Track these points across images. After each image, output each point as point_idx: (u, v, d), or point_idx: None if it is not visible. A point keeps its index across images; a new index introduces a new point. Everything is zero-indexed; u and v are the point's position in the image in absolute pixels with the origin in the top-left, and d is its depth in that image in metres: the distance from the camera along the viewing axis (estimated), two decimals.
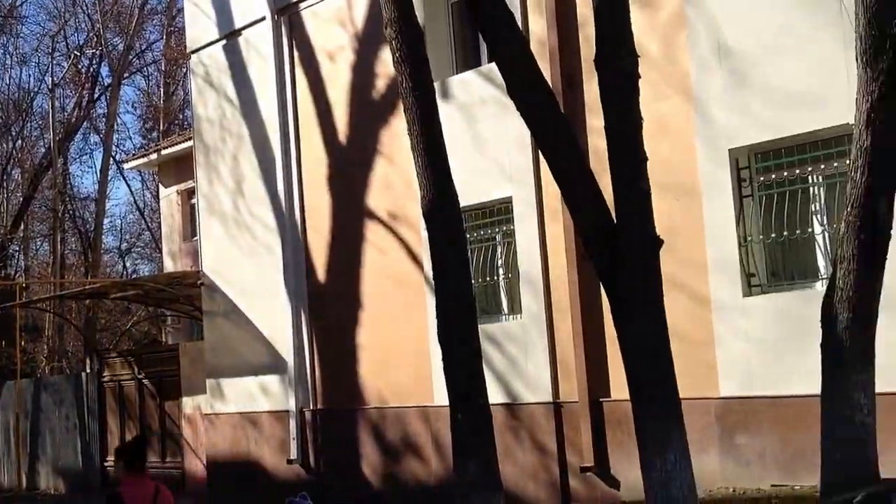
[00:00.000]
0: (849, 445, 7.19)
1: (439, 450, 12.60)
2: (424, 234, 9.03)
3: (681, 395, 7.20)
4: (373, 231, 13.75)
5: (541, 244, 11.53)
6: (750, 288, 9.78)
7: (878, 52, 6.93)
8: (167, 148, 24.48)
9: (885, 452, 7.68)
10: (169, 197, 25.33)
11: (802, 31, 9.25)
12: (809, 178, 9.54)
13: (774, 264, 9.79)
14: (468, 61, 12.96)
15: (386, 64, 13.02)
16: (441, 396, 11.50)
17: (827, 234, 9.37)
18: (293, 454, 14.61)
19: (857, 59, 7.13)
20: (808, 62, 9.19)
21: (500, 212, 12.29)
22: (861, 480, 7.15)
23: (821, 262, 9.44)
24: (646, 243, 7.17)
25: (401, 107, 9.07)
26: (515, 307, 12.12)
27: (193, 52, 16.90)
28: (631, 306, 7.16)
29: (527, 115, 7.62)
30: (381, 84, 13.58)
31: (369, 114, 13.78)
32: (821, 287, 8.86)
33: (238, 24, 15.84)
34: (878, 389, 7.30)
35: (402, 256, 13.25)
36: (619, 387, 10.24)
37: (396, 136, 12.93)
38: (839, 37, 8.83)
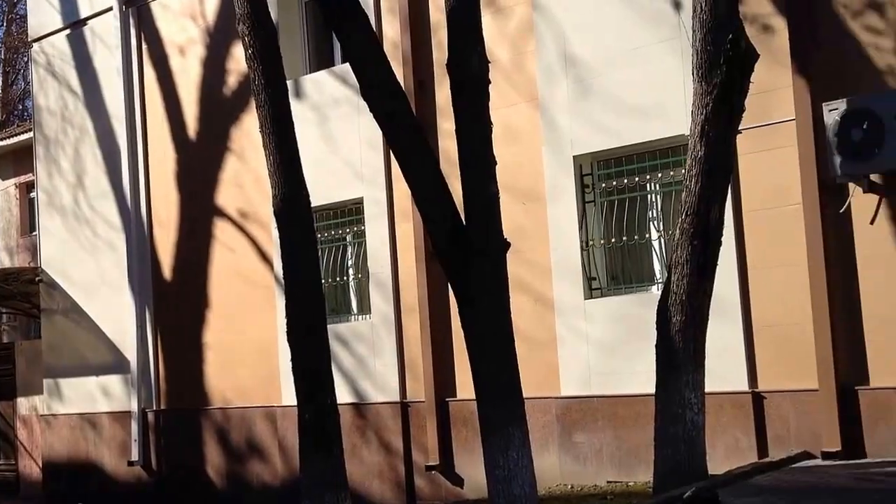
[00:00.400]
0: (680, 443, 7.52)
1: (286, 450, 12.52)
2: (275, 232, 8.96)
3: (524, 395, 7.39)
4: (222, 229, 13.54)
5: (391, 245, 11.61)
6: (591, 291, 10.11)
7: (712, 67, 7.30)
8: (5, 139, 23.43)
9: (713, 449, 8.10)
10: (7, 190, 24.25)
11: (643, 44, 9.62)
12: (648, 185, 9.93)
13: (614, 268, 10.15)
14: (321, 61, 12.93)
15: (238, 60, 12.85)
16: (289, 397, 11.44)
17: (663, 240, 9.78)
18: (134, 456, 14.24)
19: (693, 73, 7.48)
20: (648, 74, 9.57)
21: (351, 212, 12.30)
22: (691, 476, 7.49)
23: (657, 267, 9.84)
24: (493, 245, 7.32)
25: (252, 104, 8.99)
26: (365, 307, 12.16)
27: (35, 40, 16.27)
28: (478, 307, 7.30)
29: (379, 117, 7.67)
30: (232, 80, 13.39)
31: (220, 110, 13.56)
32: (657, 291, 9.24)
33: (84, 14, 15.32)
34: (707, 389, 7.68)
35: (252, 255, 13.10)
36: (465, 387, 10.41)
37: (247, 133, 12.78)
38: (677, 51, 9.24)
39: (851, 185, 8.43)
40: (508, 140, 9.94)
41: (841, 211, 8.49)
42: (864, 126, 8.07)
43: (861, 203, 8.41)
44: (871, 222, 8.37)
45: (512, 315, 7.38)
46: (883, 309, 8.31)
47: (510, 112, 10.32)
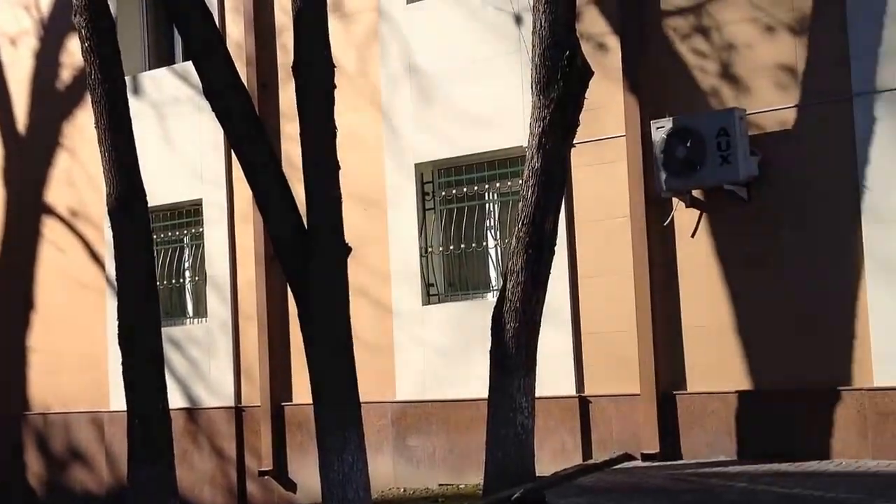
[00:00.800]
0: (510, 445, 7.74)
1: (113, 458, 12.15)
2: (108, 233, 8.73)
3: (361, 399, 7.45)
4: (52, 228, 13.05)
5: (230, 248, 11.46)
6: (428, 297, 10.27)
7: (550, 82, 7.57)
8: None
9: (541, 451, 8.37)
10: None
11: (485, 56, 9.86)
12: (486, 194, 10.18)
13: (451, 275, 10.34)
14: (162, 57, 12.65)
15: (73, 54, 12.44)
16: (118, 402, 11.10)
17: (499, 249, 10.03)
18: None
19: (531, 87, 7.75)
20: (489, 86, 9.82)
21: (189, 213, 12.08)
22: (520, 477, 7.72)
23: (493, 275, 10.09)
24: (335, 250, 7.35)
25: (87, 100, 8.73)
26: (201, 311, 11.95)
27: None
28: (318, 311, 7.30)
29: (221, 117, 7.59)
30: (67, 74, 12.94)
31: (53, 105, 13.07)
32: (492, 298, 9.47)
33: None
34: (537, 393, 7.94)
35: (83, 256, 12.68)
36: (301, 391, 10.38)
37: (81, 129, 12.38)
38: (517, 65, 9.52)
39: (675, 200, 8.87)
40: (352, 146, 9.97)
41: (665, 224, 8.92)
42: (688, 144, 8.51)
43: (683, 217, 8.88)
44: (692, 235, 8.84)
45: (351, 320, 7.42)
46: (701, 318, 8.77)
47: (354, 118, 10.35)
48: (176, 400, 11.61)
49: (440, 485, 9.84)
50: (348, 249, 7.45)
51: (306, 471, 10.43)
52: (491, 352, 7.93)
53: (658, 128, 8.70)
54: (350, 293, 7.47)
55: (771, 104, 8.51)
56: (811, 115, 8.35)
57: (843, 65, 8.18)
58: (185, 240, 12.21)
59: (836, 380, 8.17)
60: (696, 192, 8.81)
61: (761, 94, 8.56)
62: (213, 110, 7.57)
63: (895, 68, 7.99)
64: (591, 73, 7.80)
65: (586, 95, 7.79)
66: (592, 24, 9.32)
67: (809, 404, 8.23)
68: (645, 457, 8.84)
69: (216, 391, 11.52)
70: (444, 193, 10.34)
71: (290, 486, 10.96)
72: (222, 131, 7.87)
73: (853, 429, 8.09)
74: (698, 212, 8.83)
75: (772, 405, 8.41)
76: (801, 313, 8.32)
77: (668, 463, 8.67)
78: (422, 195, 10.35)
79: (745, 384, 8.56)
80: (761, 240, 8.54)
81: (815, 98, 8.33)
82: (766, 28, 8.55)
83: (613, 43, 9.21)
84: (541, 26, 7.58)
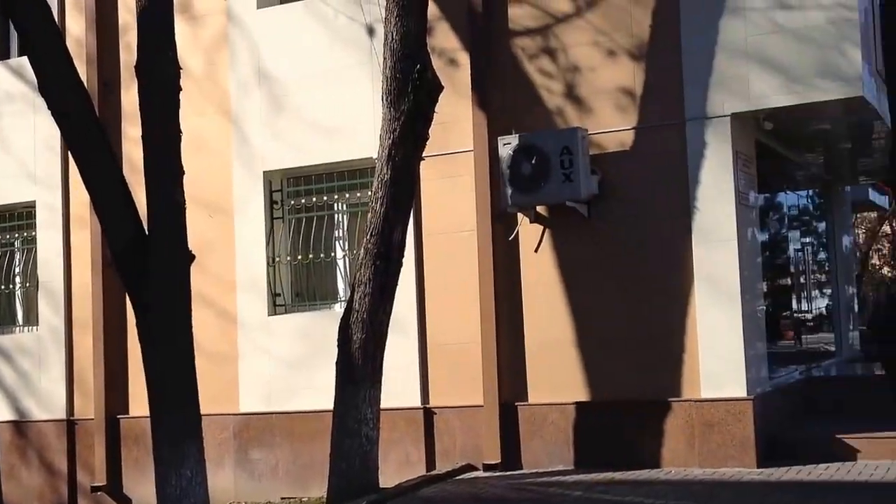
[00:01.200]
0: (354, 457, 7.74)
1: None
2: None
3: (202, 411, 7.28)
4: None
5: (65, 253, 11.02)
6: (275, 307, 10.14)
7: (401, 94, 7.63)
8: None
9: (385, 463, 8.39)
10: None
11: (337, 66, 9.83)
12: (335, 205, 10.14)
13: (299, 285, 10.24)
14: None
15: None
16: None
17: (348, 259, 10.01)
18: None
19: (382, 99, 7.78)
20: (340, 96, 9.79)
21: (21, 216, 11.56)
22: (363, 489, 7.72)
23: (341, 286, 10.05)
24: (177, 257, 7.18)
25: None
26: (32, 318, 11.44)
27: None
28: (157, 318, 7.11)
29: (58, 117, 7.29)
30: None
31: None
32: (339, 308, 9.44)
33: None
34: (383, 405, 7.96)
35: None
36: (139, 403, 10.08)
37: None
38: (369, 76, 9.54)
39: (520, 215, 9.07)
40: (198, 151, 9.79)
41: (510, 239, 9.11)
42: (533, 161, 8.72)
43: (528, 232, 9.08)
44: (536, 250, 9.05)
45: (193, 328, 7.26)
46: (543, 332, 8.99)
47: (201, 122, 10.17)
48: (3, 413, 11.15)
49: (283, 498, 9.71)
50: (191, 257, 7.29)
51: (142, 486, 10.11)
52: (337, 363, 7.92)
53: (505, 144, 8.88)
54: (193, 302, 7.31)
55: (611, 125, 8.82)
56: (648, 137, 8.70)
57: (678, 91, 8.57)
58: (16, 244, 11.67)
59: (667, 392, 8.52)
60: (540, 208, 9.03)
61: (603, 115, 8.86)
62: (49, 108, 7.26)
63: (724, 96, 8.42)
64: (441, 88, 7.90)
65: (436, 109, 7.89)
66: (444, 39, 9.43)
67: (642, 415, 8.54)
68: (487, 467, 8.97)
69: (47, 403, 11.05)
70: (292, 202, 10.24)
71: (125, 502, 10.61)
72: (59, 130, 7.55)
73: (682, 438, 8.44)
74: (542, 227, 9.05)
75: (608, 416, 8.68)
76: (636, 328, 8.64)
77: (509, 473, 8.83)
78: (270, 203, 10.22)
79: (583, 396, 8.81)
80: (600, 256, 8.82)
81: (652, 121, 8.69)
82: (609, 52, 8.87)
83: (464, 59, 9.35)
84: (392, 39, 7.63)
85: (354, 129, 9.65)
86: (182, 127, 7.26)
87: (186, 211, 7.28)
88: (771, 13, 8.28)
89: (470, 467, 9.08)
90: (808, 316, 12.06)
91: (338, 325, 7.95)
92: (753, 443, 8.22)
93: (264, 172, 10.16)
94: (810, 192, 12.71)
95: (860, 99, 8.23)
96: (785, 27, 8.23)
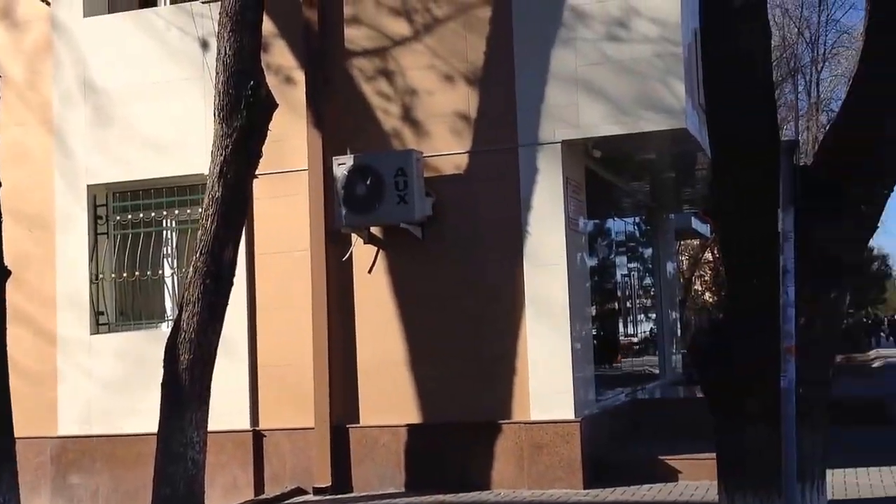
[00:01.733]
0: (179, 481, 7.46)
1: None
2: None
3: (18, 434, 6.90)
4: None
5: None
6: (98, 326, 9.76)
7: (233, 110, 7.47)
8: None
9: (211, 487, 8.16)
10: None
11: (168, 79, 9.59)
12: (164, 221, 9.85)
13: (124, 303, 9.89)
14: None
15: None
16: None
17: (176, 278, 9.73)
18: None
19: (215, 114, 7.60)
20: (171, 110, 9.54)
21: None
22: None
23: (168, 304, 9.76)
24: None
25: None
26: None
27: None
28: None
29: None
30: None
31: None
32: (167, 328, 9.15)
33: None
34: (210, 427, 7.73)
35: None
36: None
37: None
38: (201, 91, 9.33)
39: (354, 236, 9.04)
40: (17, 162, 9.35)
41: (343, 259, 9.06)
42: (368, 182, 8.71)
43: (362, 253, 9.06)
44: (370, 271, 9.03)
45: (8, 347, 6.88)
46: (375, 353, 8.96)
47: (21, 132, 9.70)
48: None
49: None
50: (7, 272, 6.91)
51: None
52: (163, 384, 7.65)
53: (340, 164, 8.84)
54: (8, 319, 6.92)
55: (446, 148, 8.92)
56: (482, 161, 8.83)
57: (512, 116, 8.75)
58: None
59: (497, 414, 8.62)
60: (374, 229, 9.02)
61: (438, 138, 8.95)
62: None
63: (556, 123, 8.64)
64: (276, 105, 7.78)
65: (271, 127, 7.76)
66: (280, 56, 9.33)
67: (473, 437, 8.62)
68: (317, 490, 8.86)
69: None
70: (118, 218, 9.89)
71: None
72: None
73: (512, 460, 8.56)
74: (376, 248, 9.04)
75: (439, 438, 8.72)
76: (468, 350, 8.72)
77: (339, 496, 8.75)
78: (94, 218, 9.84)
79: (415, 417, 8.83)
80: (434, 278, 8.88)
81: (486, 146, 8.83)
82: (445, 76, 8.97)
83: (300, 77, 9.27)
84: (225, 53, 7.47)
85: (185, 144, 9.41)
86: (0, 137, 6.90)
87: (2, 224, 6.90)
88: (600, 44, 8.57)
89: (299, 491, 8.95)
90: (634, 339, 12.49)
91: (164, 345, 7.70)
92: (580, 464, 8.41)
93: (88, 186, 9.78)
94: (637, 218, 13.18)
95: (684, 131, 8.60)
96: (613, 59, 8.53)
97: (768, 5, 5.64)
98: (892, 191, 5.22)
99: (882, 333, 46.15)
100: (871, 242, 22.71)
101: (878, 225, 5.31)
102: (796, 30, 29.10)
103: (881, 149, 5.10)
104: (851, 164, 5.06)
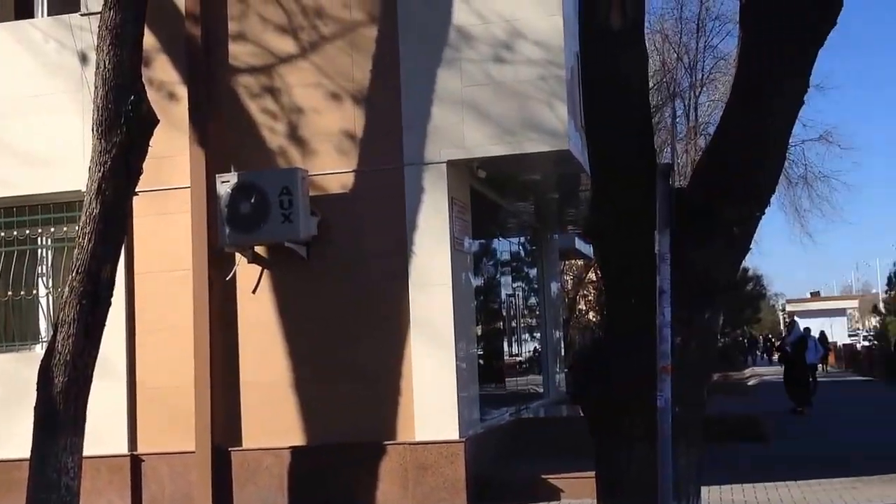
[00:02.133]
0: None
1: None
2: None
3: None
4: None
5: None
6: None
7: (113, 126, 7.28)
8: None
9: None
10: None
11: (44, 93, 9.31)
12: (39, 239, 9.54)
13: None
14: None
15: None
16: None
17: (52, 298, 9.42)
18: None
19: (93, 130, 7.40)
20: (47, 125, 9.26)
21: None
22: None
23: (43, 325, 9.43)
24: None
25: None
26: None
27: None
28: None
29: None
30: None
31: None
32: (41, 350, 8.83)
33: None
34: (86, 452, 7.48)
35: None
36: None
37: None
38: (79, 105, 9.08)
39: (238, 255, 8.91)
40: None
41: (227, 279, 8.91)
42: (252, 200, 8.59)
43: (246, 272, 8.93)
44: (254, 291, 8.91)
45: None
46: (259, 375, 8.84)
47: None
48: None
49: None
50: None
51: None
52: (36, 408, 7.37)
53: (223, 182, 8.70)
54: None
55: (332, 167, 8.88)
56: (368, 180, 8.83)
57: (398, 136, 8.77)
58: None
59: (382, 434, 8.59)
60: (259, 249, 8.91)
61: (324, 157, 8.90)
62: None
63: (441, 143, 8.70)
64: (157, 121, 7.61)
65: (152, 144, 7.59)
66: (162, 71, 9.16)
67: (358, 458, 8.57)
68: None
69: None
70: None
71: None
72: None
73: (397, 481, 8.53)
74: (260, 268, 8.93)
75: (323, 459, 8.64)
76: (353, 371, 8.68)
77: None
78: None
79: (299, 439, 8.72)
80: (319, 298, 8.81)
81: (372, 165, 8.83)
82: (331, 95, 8.94)
83: (182, 93, 9.11)
84: (105, 67, 7.28)
85: (62, 159, 9.14)
86: None
87: None
88: (485, 65, 8.67)
89: None
90: (519, 359, 12.61)
91: (38, 367, 7.42)
92: (465, 484, 8.44)
93: None
94: (522, 239, 13.35)
95: (566, 152, 8.75)
96: (498, 80, 8.63)
97: (648, 31, 5.80)
98: (764, 213, 5.38)
99: (757, 352, 47.75)
100: (746, 263, 23.49)
101: (752, 246, 5.47)
102: (675, 55, 29.98)
103: (753, 172, 5.27)
104: (724, 187, 5.20)
